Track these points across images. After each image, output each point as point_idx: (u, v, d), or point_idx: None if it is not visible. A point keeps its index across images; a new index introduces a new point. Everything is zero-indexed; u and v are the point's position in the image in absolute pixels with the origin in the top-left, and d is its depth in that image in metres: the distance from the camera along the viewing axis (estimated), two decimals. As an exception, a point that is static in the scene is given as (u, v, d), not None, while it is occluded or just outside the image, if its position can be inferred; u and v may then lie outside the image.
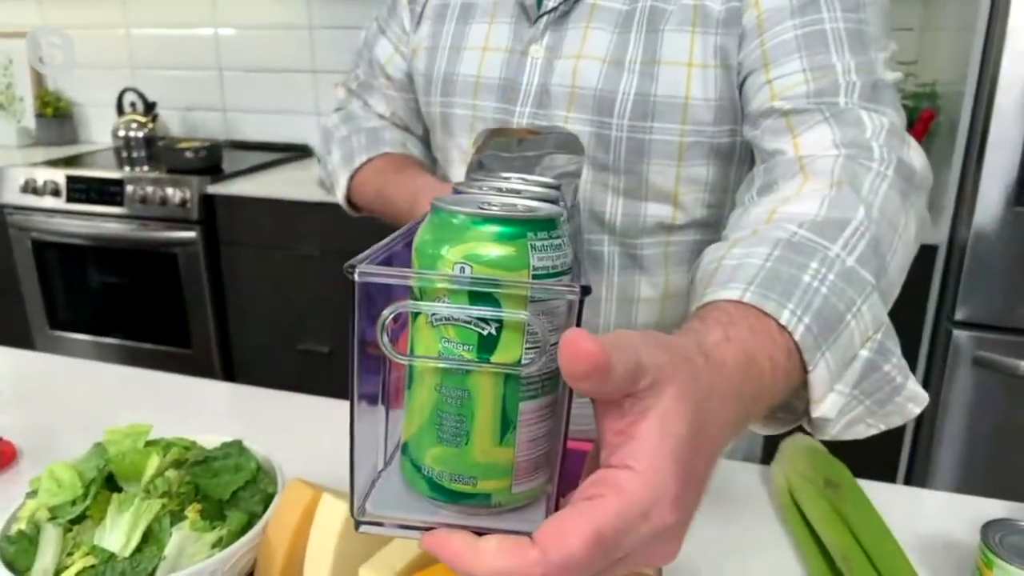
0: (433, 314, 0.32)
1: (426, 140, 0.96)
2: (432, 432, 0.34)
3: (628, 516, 0.30)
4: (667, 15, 0.69)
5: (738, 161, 0.74)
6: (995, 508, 0.72)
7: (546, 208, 0.35)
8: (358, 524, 0.34)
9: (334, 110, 1.00)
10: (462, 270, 0.32)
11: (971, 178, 1.51)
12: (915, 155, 0.61)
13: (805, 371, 0.44)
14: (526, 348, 0.32)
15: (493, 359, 0.32)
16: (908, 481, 1.75)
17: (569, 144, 0.62)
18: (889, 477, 1.78)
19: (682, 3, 0.68)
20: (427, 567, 0.54)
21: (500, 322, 0.32)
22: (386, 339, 0.31)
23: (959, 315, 1.55)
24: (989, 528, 0.58)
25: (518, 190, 0.42)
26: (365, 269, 0.32)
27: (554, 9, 0.73)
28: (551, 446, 0.35)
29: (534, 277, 0.32)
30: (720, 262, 0.50)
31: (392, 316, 0.31)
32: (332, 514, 0.55)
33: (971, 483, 1.63)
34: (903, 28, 1.96)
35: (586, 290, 0.31)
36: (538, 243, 0.32)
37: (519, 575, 0.29)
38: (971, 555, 0.63)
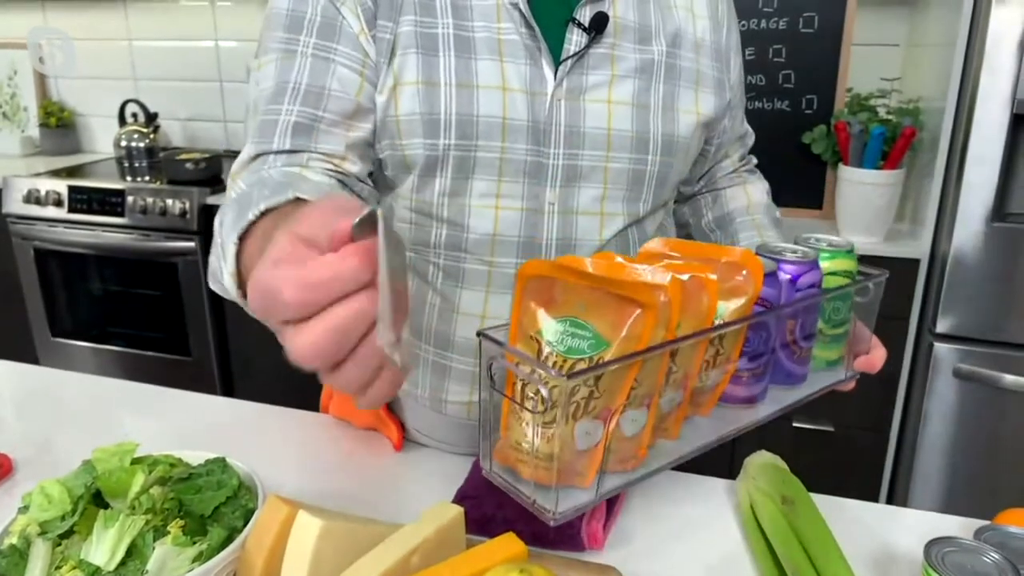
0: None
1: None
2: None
3: None
4: (679, 71, 0.82)
5: None
6: (949, 524, 0.75)
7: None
8: None
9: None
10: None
11: (951, 193, 1.54)
12: None
13: None
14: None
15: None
16: (891, 492, 1.77)
17: None
18: (872, 489, 1.80)
19: (686, 67, 0.83)
20: (396, 581, 0.57)
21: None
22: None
23: (940, 328, 1.58)
24: (932, 546, 0.60)
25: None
26: None
27: (574, 55, 0.76)
28: None
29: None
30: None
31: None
32: (307, 530, 0.57)
33: (952, 495, 1.65)
34: (889, 44, 1.99)
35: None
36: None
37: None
38: (919, 571, 0.66)
